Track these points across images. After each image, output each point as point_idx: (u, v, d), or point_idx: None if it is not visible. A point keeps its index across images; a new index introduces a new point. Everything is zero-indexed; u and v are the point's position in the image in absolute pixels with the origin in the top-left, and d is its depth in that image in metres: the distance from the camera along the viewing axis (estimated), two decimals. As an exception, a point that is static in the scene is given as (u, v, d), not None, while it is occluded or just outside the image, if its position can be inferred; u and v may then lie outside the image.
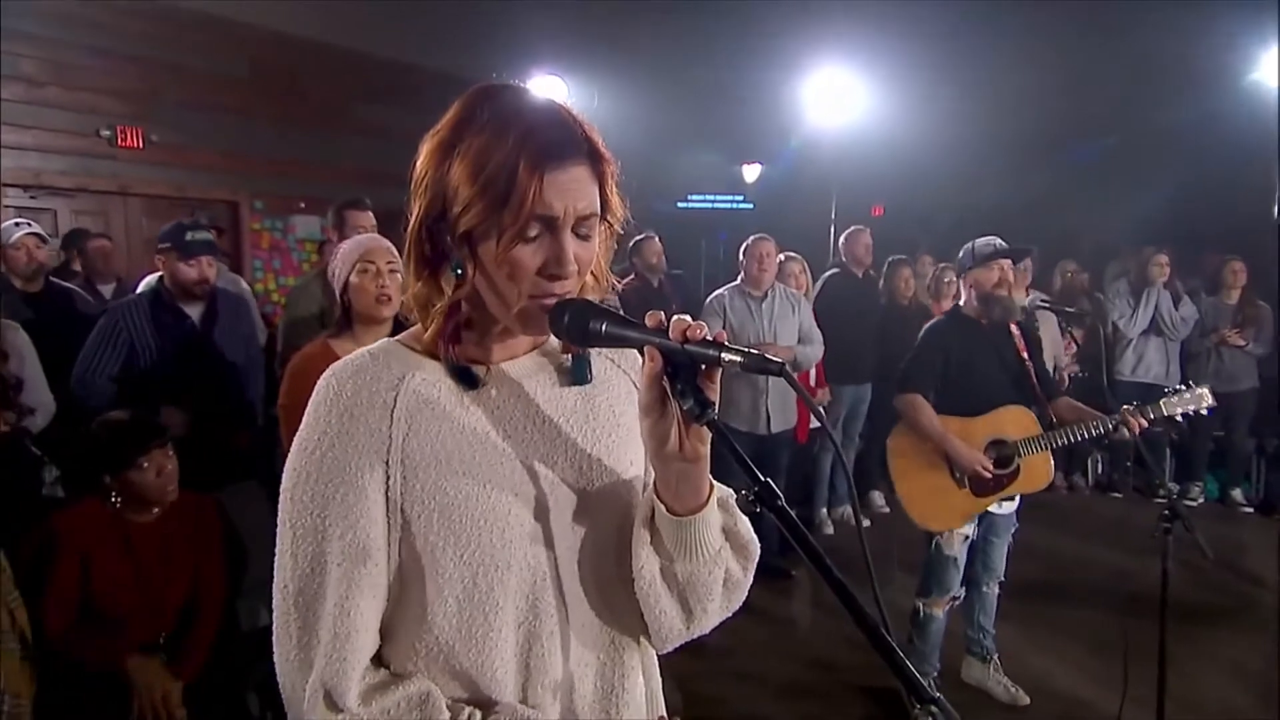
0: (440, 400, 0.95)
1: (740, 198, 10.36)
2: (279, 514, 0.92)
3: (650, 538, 1.00)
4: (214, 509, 2.51)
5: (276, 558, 0.92)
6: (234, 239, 6.66)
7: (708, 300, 4.50)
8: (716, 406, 0.87)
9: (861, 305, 5.28)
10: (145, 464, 2.35)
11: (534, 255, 0.90)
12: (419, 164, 0.93)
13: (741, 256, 4.40)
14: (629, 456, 1.06)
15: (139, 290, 4.18)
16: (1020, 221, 7.73)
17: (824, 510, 5.40)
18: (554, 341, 1.07)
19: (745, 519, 1.04)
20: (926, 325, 3.35)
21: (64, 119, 5.56)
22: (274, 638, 0.92)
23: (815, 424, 4.91)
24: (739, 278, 4.42)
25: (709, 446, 0.93)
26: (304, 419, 0.94)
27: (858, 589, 0.84)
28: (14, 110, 5.29)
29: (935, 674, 3.33)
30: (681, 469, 0.93)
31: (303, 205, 6.98)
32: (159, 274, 3.49)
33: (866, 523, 5.39)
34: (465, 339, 0.98)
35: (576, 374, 1.05)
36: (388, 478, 0.91)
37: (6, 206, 5.22)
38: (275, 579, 0.92)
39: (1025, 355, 3.16)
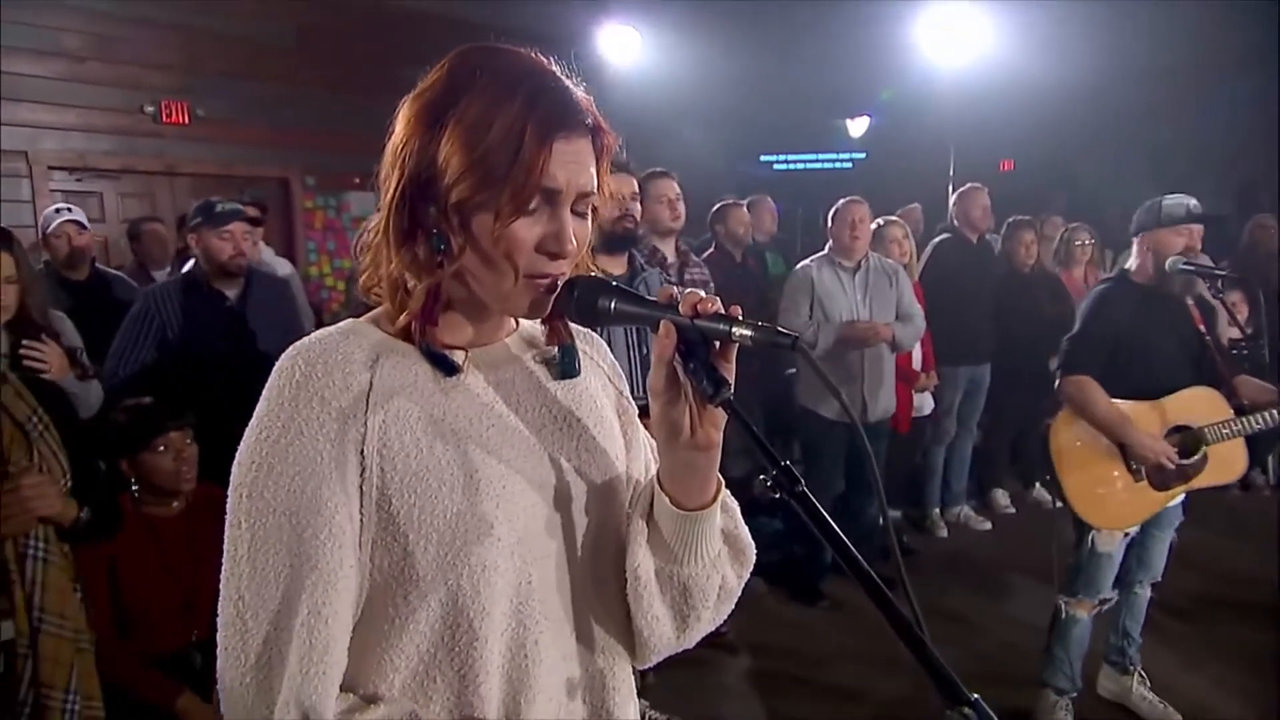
0: (418, 387, 0.95)
1: (841, 156, 10.17)
2: (230, 513, 0.90)
3: (649, 533, 1.01)
4: None
5: (226, 564, 0.89)
6: (285, 219, 6.93)
7: (792, 273, 4.42)
8: (732, 386, 0.88)
9: (977, 275, 5.09)
10: (162, 447, 2.47)
11: (531, 230, 0.91)
12: (399, 129, 0.94)
13: (830, 222, 4.31)
14: (615, 449, 1.08)
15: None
16: (1184, 173, 7.31)
17: (936, 510, 5.27)
18: (529, 327, 1.08)
19: (744, 524, 1.05)
20: (1092, 294, 3.21)
21: (107, 95, 5.87)
22: (220, 660, 0.88)
23: (919, 413, 4.79)
24: (827, 246, 4.34)
25: (722, 434, 0.94)
26: (262, 404, 0.92)
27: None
28: (57, 88, 5.64)
29: (1076, 693, 3.23)
30: (691, 458, 0.95)
31: (357, 181, 7.17)
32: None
33: (987, 525, 5.30)
34: (442, 322, 0.98)
35: (565, 366, 1.06)
36: (363, 470, 0.90)
37: (53, 191, 5.60)
38: (224, 589, 0.89)
39: (1203, 328, 3.02)
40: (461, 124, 0.89)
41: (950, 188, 7.24)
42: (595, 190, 0.95)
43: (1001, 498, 5.56)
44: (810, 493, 0.85)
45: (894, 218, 4.92)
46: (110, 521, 2.11)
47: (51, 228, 4.09)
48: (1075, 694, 3.23)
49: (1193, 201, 3.03)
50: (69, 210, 4.21)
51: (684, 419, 0.92)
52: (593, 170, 0.94)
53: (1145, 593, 3.29)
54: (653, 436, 0.99)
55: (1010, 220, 5.40)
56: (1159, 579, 3.28)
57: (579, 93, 0.94)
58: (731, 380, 0.88)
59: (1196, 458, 3.00)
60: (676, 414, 0.92)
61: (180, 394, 2.96)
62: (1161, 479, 3.01)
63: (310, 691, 0.86)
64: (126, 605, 2.42)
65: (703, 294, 0.88)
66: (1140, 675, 3.34)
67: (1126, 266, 3.16)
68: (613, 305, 0.92)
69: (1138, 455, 2.98)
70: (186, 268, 4.45)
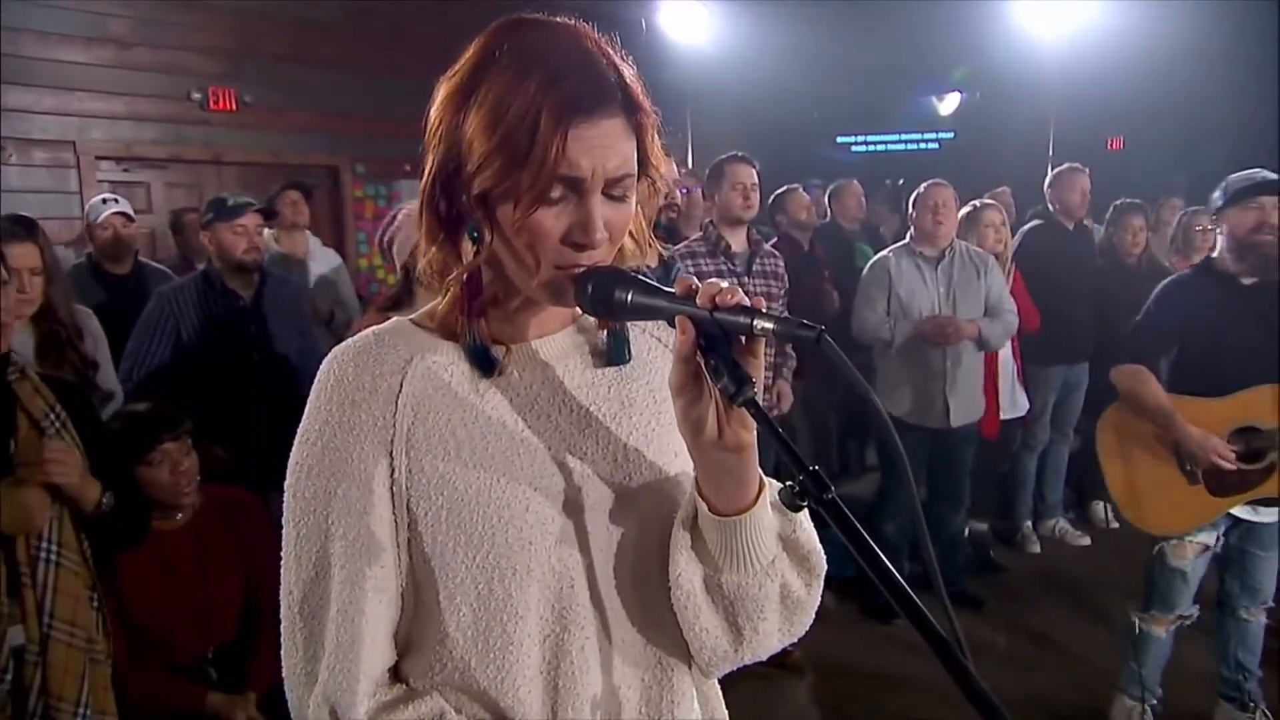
0: (453, 385, 0.99)
1: (927, 136, 10.01)
2: (284, 512, 0.99)
3: (691, 541, 1.01)
4: (261, 509, 2.63)
5: (282, 560, 0.99)
6: (334, 208, 7.10)
7: (869, 264, 4.37)
8: (759, 384, 0.87)
9: (1074, 266, 4.95)
10: (156, 459, 2.45)
11: (557, 220, 0.91)
12: (433, 111, 0.96)
13: (911, 208, 4.24)
14: (672, 448, 1.07)
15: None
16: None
17: (1028, 523, 5.16)
18: (590, 317, 1.09)
19: (809, 526, 1.02)
20: (1166, 280, 3.18)
21: (154, 82, 6.06)
22: (282, 649, 0.99)
23: (1008, 415, 4.67)
24: (909, 234, 4.27)
25: (755, 434, 0.93)
26: (307, 408, 1.00)
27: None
28: (104, 76, 5.84)
29: (1156, 700, 3.24)
30: (722, 460, 0.94)
31: (408, 169, 7.30)
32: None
33: (1086, 540, 5.17)
34: (490, 314, 1.01)
35: (613, 353, 1.08)
36: (393, 470, 0.96)
37: (100, 181, 5.82)
38: (281, 584, 0.99)
39: None
40: (483, 107, 0.90)
41: (1049, 169, 7.07)
42: (633, 173, 0.94)
43: (1102, 511, 5.37)
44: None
45: (991, 201, 4.77)
46: (139, 520, 2.14)
47: (100, 219, 4.24)
48: (1156, 700, 3.24)
49: (1263, 174, 2.95)
50: (116, 201, 4.36)
51: (709, 418, 0.90)
52: (628, 151, 0.93)
53: (1258, 619, 3.18)
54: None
55: (1117, 203, 5.19)
56: (1271, 604, 3.18)
57: (620, 68, 0.93)
58: (758, 377, 0.87)
59: (1263, 464, 2.88)
60: (700, 413, 0.91)
61: (193, 396, 3.03)
62: (1219, 483, 2.93)
63: (336, 687, 0.95)
64: (134, 622, 2.43)
65: (723, 284, 0.86)
66: (1265, 713, 3.22)
67: (1212, 254, 3.10)
68: (629, 298, 0.91)
69: (1188, 451, 2.92)
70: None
